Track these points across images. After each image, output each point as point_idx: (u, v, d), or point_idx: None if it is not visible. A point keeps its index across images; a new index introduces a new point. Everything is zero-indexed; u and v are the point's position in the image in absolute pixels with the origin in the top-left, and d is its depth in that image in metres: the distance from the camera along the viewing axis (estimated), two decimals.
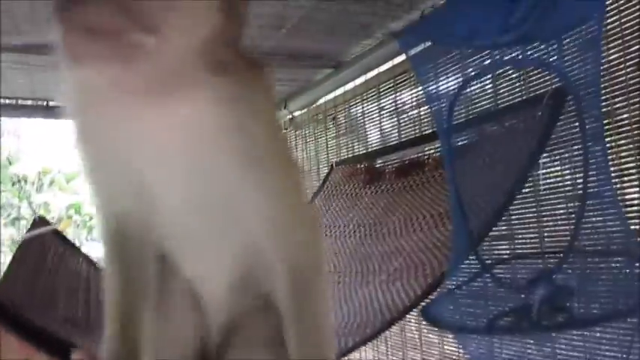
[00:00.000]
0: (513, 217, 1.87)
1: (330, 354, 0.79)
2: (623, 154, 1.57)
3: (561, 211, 1.71)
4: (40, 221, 2.48)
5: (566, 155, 1.62)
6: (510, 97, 1.84)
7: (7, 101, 3.20)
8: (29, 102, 3.26)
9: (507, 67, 1.85)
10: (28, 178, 6.20)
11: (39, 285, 2.05)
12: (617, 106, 1.57)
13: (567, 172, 1.67)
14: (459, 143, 1.78)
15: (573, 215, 1.44)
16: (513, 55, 1.42)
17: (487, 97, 1.93)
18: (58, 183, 6.51)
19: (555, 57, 1.35)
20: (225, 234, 0.78)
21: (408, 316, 2.58)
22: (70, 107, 0.73)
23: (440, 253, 1.67)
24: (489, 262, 1.46)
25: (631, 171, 1.55)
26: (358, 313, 1.75)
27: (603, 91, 1.55)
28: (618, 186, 1.56)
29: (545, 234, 1.78)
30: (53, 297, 2.05)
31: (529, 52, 1.41)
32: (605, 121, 1.56)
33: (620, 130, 1.58)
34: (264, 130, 0.72)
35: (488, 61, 1.48)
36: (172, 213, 0.76)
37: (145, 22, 0.57)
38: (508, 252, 1.87)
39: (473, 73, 1.52)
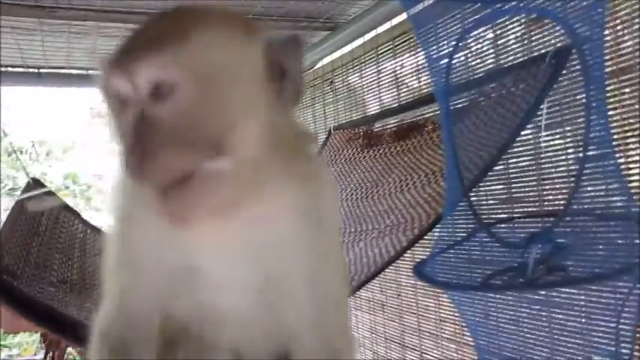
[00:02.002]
0: (513, 180, 1.85)
1: None
2: (625, 115, 1.54)
3: (562, 174, 1.69)
4: (34, 184, 2.45)
5: (569, 118, 1.59)
6: (512, 59, 1.80)
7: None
8: (19, 69, 3.20)
9: (509, 28, 1.81)
10: (23, 149, 6.16)
11: (33, 247, 2.04)
12: (622, 65, 1.53)
13: (569, 135, 1.64)
14: (459, 105, 1.74)
15: (573, 178, 1.41)
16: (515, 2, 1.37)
17: (488, 58, 1.89)
18: (54, 153, 6.47)
19: (559, 10, 1.30)
20: (268, 322, 0.79)
21: (404, 282, 2.60)
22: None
23: (429, 207, 1.68)
24: (486, 221, 1.45)
25: (634, 133, 1.53)
26: (348, 268, 1.77)
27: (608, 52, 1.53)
28: (621, 147, 1.54)
29: (546, 197, 1.76)
30: (48, 259, 2.04)
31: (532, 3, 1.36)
32: (610, 81, 1.54)
33: (623, 89, 1.54)
34: (334, 226, 0.79)
35: (489, 10, 1.43)
36: (220, 293, 0.77)
37: (212, 147, 0.60)
38: (507, 215, 1.85)
39: (472, 24, 1.47)
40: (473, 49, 1.84)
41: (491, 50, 1.86)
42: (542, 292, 1.49)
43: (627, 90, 1.52)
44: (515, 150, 1.78)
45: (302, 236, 0.72)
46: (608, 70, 1.54)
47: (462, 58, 1.73)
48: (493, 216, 1.84)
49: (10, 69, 3.18)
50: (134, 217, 0.73)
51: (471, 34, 1.63)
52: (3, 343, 4.56)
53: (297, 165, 0.71)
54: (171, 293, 0.77)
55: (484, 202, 1.92)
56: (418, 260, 1.49)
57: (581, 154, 1.28)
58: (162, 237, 0.71)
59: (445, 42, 1.55)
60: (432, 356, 2.49)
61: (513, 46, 1.80)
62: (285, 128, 0.69)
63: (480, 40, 1.82)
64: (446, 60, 1.42)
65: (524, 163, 1.82)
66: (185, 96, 0.60)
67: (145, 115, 0.60)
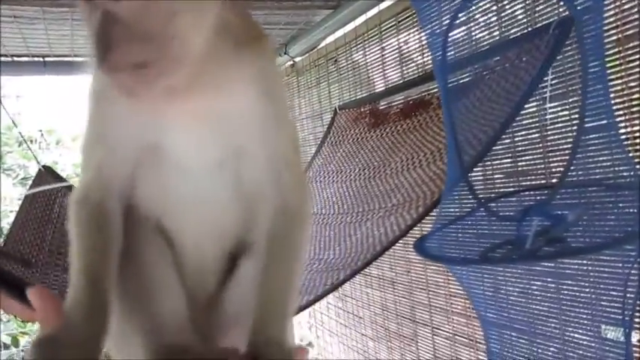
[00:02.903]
0: (519, 153, 1.85)
1: (292, 302, 0.85)
2: (632, 84, 1.53)
3: (569, 146, 1.68)
4: (45, 171, 2.48)
5: (574, 88, 1.58)
6: (516, 31, 1.78)
7: (3, 58, 3.15)
8: (24, 59, 3.22)
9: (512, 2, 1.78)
10: (33, 139, 6.21)
11: (47, 235, 2.07)
12: (628, 33, 1.52)
13: (575, 105, 1.63)
14: (462, 80, 1.73)
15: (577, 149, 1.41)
16: None
17: (492, 31, 1.87)
18: (64, 142, 6.51)
19: None
20: (232, 187, 0.85)
21: (414, 258, 2.62)
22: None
23: (434, 185, 1.69)
24: (485, 197, 1.46)
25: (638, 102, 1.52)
26: (354, 247, 1.79)
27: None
28: (625, 117, 1.53)
29: (553, 169, 1.75)
30: (62, 246, 2.07)
31: None
32: (615, 51, 1.52)
33: (629, 60, 1.53)
34: (282, 92, 0.88)
35: None
36: (184, 175, 0.83)
37: (163, 37, 0.68)
38: (513, 188, 1.85)
39: None
40: (475, 22, 1.82)
41: (495, 23, 1.84)
42: (551, 264, 1.51)
43: (633, 58, 1.51)
44: (521, 123, 1.78)
45: (257, 106, 0.81)
46: (613, 38, 1.53)
47: (465, 33, 1.71)
48: (499, 190, 1.84)
49: (15, 59, 3.20)
50: (105, 98, 0.80)
51: (472, 7, 1.61)
52: (23, 330, 4.66)
53: (247, 49, 0.79)
54: (137, 175, 0.83)
55: (489, 176, 1.92)
56: None
57: (576, 126, 1.27)
58: (128, 115, 0.79)
59: (446, 18, 1.54)
60: (443, 331, 2.52)
61: (518, 17, 1.78)
62: (235, 20, 0.77)
63: (483, 13, 1.80)
64: (442, 38, 1.41)
65: (530, 136, 1.81)
66: None
67: (107, 12, 0.67)
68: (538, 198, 1.31)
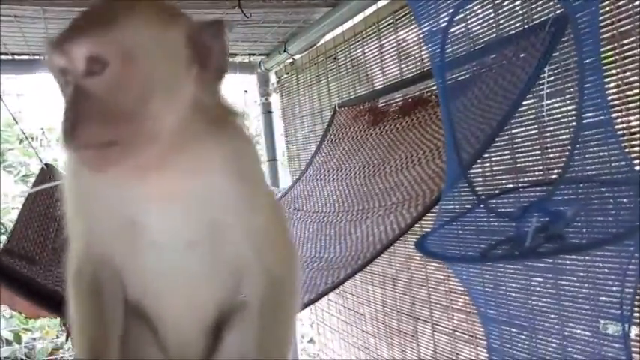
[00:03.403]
0: (517, 150, 1.85)
1: (286, 355, 0.88)
2: (627, 79, 1.53)
3: (566, 142, 1.69)
4: (48, 169, 2.49)
5: (571, 85, 1.59)
6: (512, 29, 1.79)
7: (4, 57, 3.16)
8: (25, 57, 3.23)
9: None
10: (34, 136, 6.22)
11: (50, 233, 2.08)
12: (623, 30, 1.52)
13: (571, 101, 1.63)
14: (460, 78, 1.74)
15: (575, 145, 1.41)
16: None
17: (488, 30, 1.88)
18: None
19: None
20: (210, 264, 0.88)
21: (414, 255, 2.63)
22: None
23: (433, 184, 1.70)
24: (485, 194, 1.46)
25: (635, 97, 1.52)
26: (354, 246, 1.80)
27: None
28: (623, 113, 1.54)
29: (551, 166, 1.76)
30: (65, 244, 2.08)
31: None
32: (610, 47, 1.53)
33: (625, 56, 1.53)
34: (257, 170, 0.90)
35: None
36: (159, 251, 0.85)
37: (135, 117, 0.69)
38: (512, 184, 1.86)
39: None
40: (472, 19, 1.83)
41: (492, 21, 1.84)
42: (550, 260, 1.51)
43: (628, 54, 1.52)
44: (519, 119, 1.78)
45: (230, 184, 0.82)
46: (608, 34, 1.53)
47: (462, 31, 1.72)
48: (498, 187, 1.85)
49: (15, 57, 3.21)
50: (81, 174, 0.82)
51: (469, 7, 1.61)
52: (25, 326, 4.67)
53: (221, 129, 0.81)
54: (119, 251, 0.86)
55: (488, 173, 1.92)
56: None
57: (574, 123, 1.28)
58: (103, 191, 0.81)
59: (443, 16, 1.54)
60: (444, 327, 2.52)
61: (515, 13, 1.79)
62: (210, 102, 0.79)
63: (480, 12, 1.81)
64: (440, 36, 1.41)
65: (528, 132, 1.82)
66: (113, 72, 0.68)
67: (79, 87, 0.68)
68: (537, 194, 1.32)
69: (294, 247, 0.98)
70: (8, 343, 4.59)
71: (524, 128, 1.82)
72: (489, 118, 1.43)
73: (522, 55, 1.54)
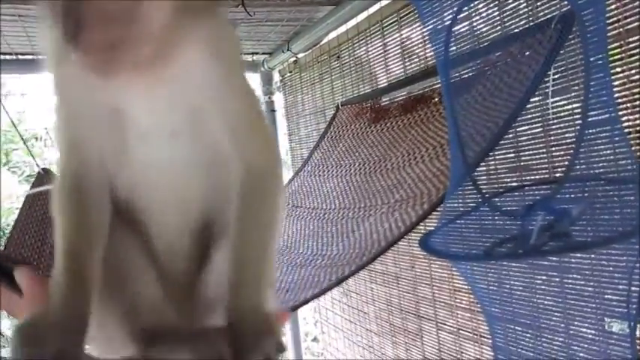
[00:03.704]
0: (522, 148, 1.85)
1: (269, 267, 0.83)
2: (634, 77, 1.52)
3: (571, 140, 1.68)
4: (45, 174, 2.48)
5: (577, 82, 1.58)
6: (519, 26, 1.78)
7: (7, 57, 3.17)
8: (29, 57, 3.23)
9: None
10: (38, 136, 6.24)
11: (47, 237, 2.08)
12: (629, 27, 1.51)
13: (577, 100, 1.63)
14: (465, 75, 1.73)
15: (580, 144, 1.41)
16: None
17: (493, 28, 1.87)
18: None
19: None
20: (192, 153, 0.85)
21: (418, 253, 2.63)
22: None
23: (438, 181, 1.69)
24: (490, 193, 1.46)
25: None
26: (358, 244, 1.79)
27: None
28: (628, 111, 1.53)
29: (556, 164, 1.75)
30: None
31: None
32: (617, 44, 1.52)
33: (631, 54, 1.52)
34: (235, 55, 0.88)
35: None
36: (144, 143, 0.83)
37: (131, 17, 0.69)
38: (516, 183, 1.85)
39: None
40: (477, 17, 1.82)
41: (497, 19, 1.84)
42: (555, 259, 1.51)
43: (635, 52, 1.51)
44: (524, 117, 1.78)
45: (208, 67, 0.81)
46: (614, 32, 1.53)
47: (467, 28, 1.71)
48: (502, 185, 1.84)
49: (19, 57, 3.21)
50: (68, 78, 0.81)
51: (473, 5, 1.61)
52: None
53: (201, 17, 0.80)
54: (107, 150, 0.84)
55: (493, 171, 1.92)
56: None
57: (580, 121, 1.27)
58: (91, 89, 0.79)
59: (447, 13, 1.54)
60: (448, 325, 2.52)
61: (520, 12, 1.78)
62: None
63: (484, 10, 1.80)
64: (444, 33, 1.41)
65: (533, 131, 1.81)
66: None
67: None
68: (542, 192, 1.31)
69: (273, 139, 0.97)
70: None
71: (529, 126, 1.81)
72: (495, 115, 1.43)
73: (528, 53, 1.53)
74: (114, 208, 0.87)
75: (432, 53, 2.34)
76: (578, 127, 1.30)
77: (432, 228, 1.62)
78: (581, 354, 1.48)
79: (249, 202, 0.83)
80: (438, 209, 1.68)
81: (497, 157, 1.91)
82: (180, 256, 0.90)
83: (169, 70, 0.79)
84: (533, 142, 1.81)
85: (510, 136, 1.84)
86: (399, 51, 2.61)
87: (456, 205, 1.36)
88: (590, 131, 1.26)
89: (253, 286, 0.79)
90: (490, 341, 2.20)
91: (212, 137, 0.84)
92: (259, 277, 0.81)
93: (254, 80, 3.98)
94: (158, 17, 0.73)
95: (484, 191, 1.39)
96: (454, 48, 1.59)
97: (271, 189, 0.85)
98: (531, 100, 1.67)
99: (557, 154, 1.73)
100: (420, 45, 2.47)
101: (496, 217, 1.26)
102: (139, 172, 0.85)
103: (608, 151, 1.31)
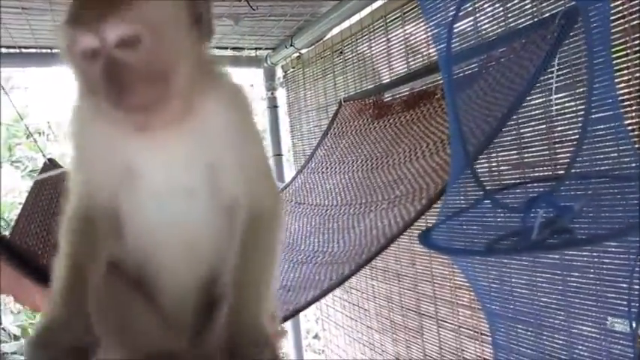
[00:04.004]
0: (525, 145, 1.83)
1: (268, 288, 0.90)
2: (638, 74, 1.51)
3: (575, 137, 1.66)
4: (50, 164, 2.49)
5: (580, 79, 1.57)
6: (522, 22, 1.77)
7: (11, 50, 3.16)
8: (33, 51, 3.23)
9: None
10: (41, 131, 6.23)
11: (53, 228, 2.07)
12: (634, 24, 1.50)
13: (580, 96, 1.61)
14: (468, 72, 1.72)
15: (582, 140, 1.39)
16: None
17: (498, 24, 1.86)
18: None
19: None
20: (208, 211, 0.93)
21: (418, 250, 2.62)
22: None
23: (437, 176, 1.68)
24: (491, 188, 1.44)
25: None
26: (358, 240, 1.79)
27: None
28: (632, 108, 1.51)
29: (559, 161, 1.74)
30: None
31: None
32: (621, 41, 1.50)
33: (636, 50, 1.51)
34: (248, 110, 0.97)
35: None
36: (159, 198, 0.90)
37: (165, 81, 0.82)
38: (519, 180, 1.84)
39: None
40: (481, 17, 1.81)
41: (501, 16, 1.82)
42: (557, 256, 1.50)
43: (638, 49, 1.49)
44: (527, 114, 1.76)
45: (227, 123, 0.90)
46: (619, 28, 1.51)
47: (470, 24, 1.70)
48: (504, 182, 1.83)
49: (23, 50, 3.21)
50: (90, 131, 0.90)
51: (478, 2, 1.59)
52: (32, 321, 4.70)
53: (214, 80, 0.91)
54: (119, 201, 0.91)
55: (495, 168, 1.91)
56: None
57: (582, 117, 1.26)
58: (111, 143, 0.88)
59: (451, 9, 1.52)
60: (449, 323, 2.51)
61: (524, 9, 1.77)
62: (204, 58, 0.91)
63: (488, 8, 1.79)
64: (447, 29, 1.40)
65: (536, 127, 1.80)
66: (147, 44, 0.78)
67: (113, 60, 0.78)
68: (543, 189, 1.30)
69: (274, 180, 1.05)
70: (16, 338, 4.61)
71: (531, 124, 1.80)
72: (495, 110, 1.42)
73: (531, 49, 1.52)
74: (117, 261, 0.93)
75: (435, 49, 2.33)
76: (581, 124, 1.28)
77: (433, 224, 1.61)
78: (583, 352, 1.47)
79: (254, 235, 0.90)
80: (437, 205, 1.67)
81: (500, 154, 1.90)
82: (187, 309, 0.95)
83: (191, 124, 0.87)
84: (536, 139, 1.80)
85: (513, 133, 1.83)
86: (403, 47, 2.60)
87: (457, 200, 1.35)
88: (593, 128, 1.24)
89: (251, 305, 0.85)
90: (491, 339, 2.19)
91: (228, 192, 0.91)
92: (258, 297, 0.87)
93: (257, 76, 3.97)
94: (187, 79, 0.83)
95: (486, 186, 1.37)
96: (457, 44, 1.58)
97: (274, 227, 0.93)
98: (535, 97, 1.66)
99: (560, 151, 1.72)
100: (423, 41, 2.45)
101: (497, 213, 1.25)
102: (151, 228, 0.91)
103: (611, 148, 1.30)
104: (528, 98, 1.60)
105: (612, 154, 1.30)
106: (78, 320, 0.79)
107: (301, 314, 4.13)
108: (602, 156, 1.31)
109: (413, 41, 2.53)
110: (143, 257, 0.93)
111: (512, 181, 1.84)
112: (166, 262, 0.94)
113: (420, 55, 2.48)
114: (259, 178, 0.93)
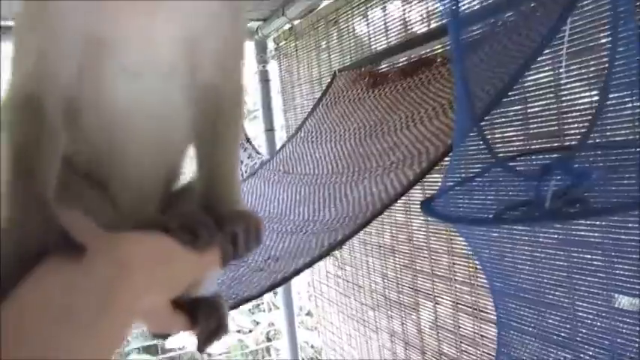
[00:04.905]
0: (531, 113, 1.76)
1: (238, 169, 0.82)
2: None
3: (584, 107, 1.59)
4: None
5: (592, 45, 1.49)
6: None
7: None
8: None
9: None
10: None
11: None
12: None
13: (592, 64, 1.53)
14: (474, 35, 1.63)
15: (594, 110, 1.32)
16: None
17: None
18: None
19: None
20: (186, 94, 0.78)
21: (415, 225, 2.55)
22: None
23: (437, 140, 1.61)
24: (501, 155, 1.37)
25: None
26: (352, 207, 1.72)
27: None
28: None
29: (566, 132, 1.67)
30: None
31: None
32: None
33: None
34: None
35: None
36: (137, 82, 0.73)
37: None
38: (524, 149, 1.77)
39: None
40: None
41: None
42: (562, 231, 1.43)
43: None
44: (533, 83, 1.69)
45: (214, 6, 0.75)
46: None
47: None
48: (511, 150, 1.76)
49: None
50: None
51: None
52: None
53: None
54: (80, 77, 0.71)
55: (499, 139, 1.83)
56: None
57: (602, 84, 1.18)
58: (78, 4, 0.67)
59: None
60: (445, 299, 2.47)
61: None
62: None
63: None
64: None
65: (543, 98, 1.72)
66: None
67: None
68: (556, 159, 1.23)
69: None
70: None
71: (539, 93, 1.72)
72: (502, 72, 1.33)
73: (539, 13, 1.44)
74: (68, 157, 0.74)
75: (434, 18, 2.23)
76: (596, 92, 1.20)
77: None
78: (588, 330, 1.43)
79: (227, 121, 0.80)
80: (439, 176, 1.60)
81: (505, 125, 1.82)
82: (149, 209, 0.81)
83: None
84: (544, 110, 1.72)
85: (518, 104, 1.75)
86: (401, 16, 2.49)
87: (461, 168, 1.27)
88: (611, 96, 1.17)
89: (229, 185, 0.78)
90: (488, 316, 2.15)
91: (207, 72, 0.77)
92: (233, 177, 0.79)
93: (247, 49, 3.85)
94: None
95: (490, 155, 1.30)
96: (464, 4, 1.49)
97: (241, 111, 0.85)
98: (543, 61, 1.59)
99: (570, 122, 1.65)
100: (422, 9, 2.35)
101: (506, 182, 1.17)
102: (117, 115, 0.74)
103: (628, 118, 1.23)
104: (536, 65, 1.52)
105: (628, 124, 1.23)
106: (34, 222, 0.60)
107: (294, 291, 4.09)
108: (617, 125, 1.24)
109: (411, 10, 2.43)
110: (106, 150, 0.77)
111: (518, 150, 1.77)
112: (133, 155, 0.78)
113: (419, 25, 2.39)
114: (237, 59, 0.81)
